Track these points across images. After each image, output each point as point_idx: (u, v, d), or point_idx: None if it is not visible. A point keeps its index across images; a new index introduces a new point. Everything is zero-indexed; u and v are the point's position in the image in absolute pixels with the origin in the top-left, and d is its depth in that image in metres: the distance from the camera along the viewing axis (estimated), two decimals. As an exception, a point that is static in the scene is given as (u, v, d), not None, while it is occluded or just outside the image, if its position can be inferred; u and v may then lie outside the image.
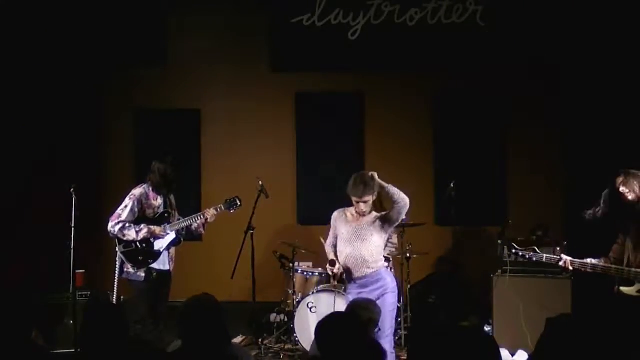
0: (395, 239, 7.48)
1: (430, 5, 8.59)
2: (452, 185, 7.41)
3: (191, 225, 6.34)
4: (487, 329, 6.91)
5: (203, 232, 6.46)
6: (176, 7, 8.94)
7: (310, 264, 7.61)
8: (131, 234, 6.15)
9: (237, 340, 7.26)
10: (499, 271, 6.85)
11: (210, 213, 6.28)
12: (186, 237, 6.48)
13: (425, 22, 8.61)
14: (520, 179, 8.63)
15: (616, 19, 8.05)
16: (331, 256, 5.77)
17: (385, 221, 5.67)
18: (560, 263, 5.60)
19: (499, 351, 3.78)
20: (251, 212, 7.12)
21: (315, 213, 8.58)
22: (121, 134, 9.08)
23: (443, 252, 8.39)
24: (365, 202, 5.62)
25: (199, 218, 6.31)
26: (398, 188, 5.72)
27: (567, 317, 4.03)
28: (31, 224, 8.00)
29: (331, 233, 5.87)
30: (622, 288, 5.39)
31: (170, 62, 8.99)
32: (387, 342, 5.46)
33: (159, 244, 6.26)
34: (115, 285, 6.39)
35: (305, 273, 7.34)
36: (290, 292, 7.24)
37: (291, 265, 7.25)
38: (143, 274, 6.23)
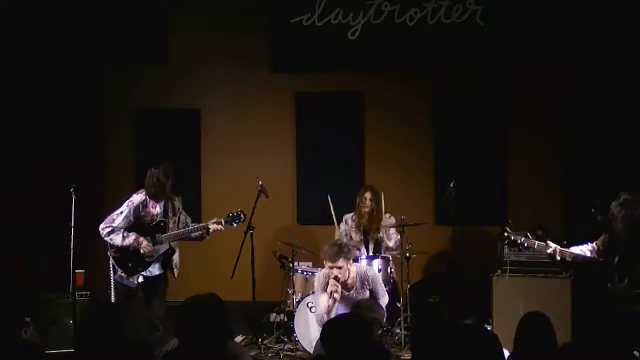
0: (395, 232, 7.49)
1: (430, 5, 8.58)
2: (452, 185, 7.41)
3: (187, 236, 6.33)
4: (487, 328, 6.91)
5: (207, 237, 6.43)
6: (176, 7, 8.94)
7: (310, 264, 7.61)
8: (117, 240, 6.15)
9: (237, 340, 7.26)
10: (499, 271, 6.84)
11: (213, 227, 6.28)
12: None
13: (425, 22, 8.60)
14: (520, 179, 8.63)
15: (616, 19, 8.05)
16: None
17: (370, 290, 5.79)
18: (549, 251, 5.70)
19: (502, 349, 3.80)
20: (251, 212, 7.12)
21: (315, 213, 8.59)
22: (121, 134, 9.07)
23: (443, 252, 8.38)
24: (339, 268, 5.67)
25: (199, 230, 6.29)
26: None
27: (538, 315, 4.11)
28: (31, 224, 8.00)
29: (320, 299, 5.85)
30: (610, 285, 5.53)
31: (170, 62, 8.98)
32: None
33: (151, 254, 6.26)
34: (112, 286, 6.41)
35: (305, 273, 7.34)
36: (290, 292, 7.24)
37: (291, 265, 7.25)
38: (136, 282, 6.24)
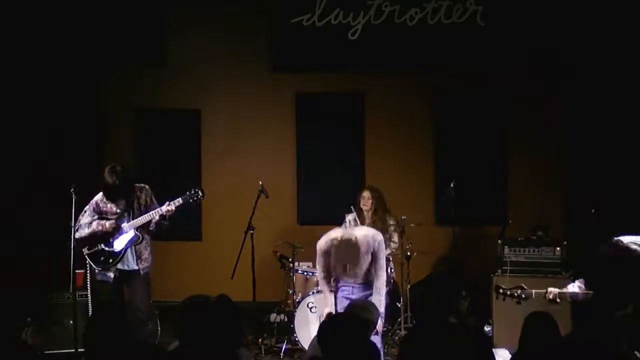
0: (396, 238, 7.48)
1: (430, 5, 8.58)
2: (452, 185, 7.41)
3: (151, 220, 6.26)
4: (487, 329, 6.91)
5: (166, 223, 6.30)
6: (176, 7, 8.94)
7: (310, 264, 7.60)
8: (85, 231, 6.25)
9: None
10: (499, 271, 6.85)
11: (165, 208, 6.20)
12: (159, 234, 6.45)
13: (425, 22, 8.60)
14: (520, 179, 8.63)
15: (616, 19, 8.05)
16: (328, 302, 5.70)
17: (372, 253, 5.66)
18: (550, 297, 5.47)
19: (489, 346, 3.80)
20: (251, 212, 7.12)
21: (315, 213, 8.60)
22: (121, 134, 9.08)
23: (443, 252, 8.39)
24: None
25: (157, 213, 6.23)
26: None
27: (542, 315, 4.09)
28: (31, 224, 8.00)
29: (320, 267, 5.76)
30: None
31: (170, 62, 8.99)
32: (377, 341, 5.48)
33: (118, 244, 6.27)
34: (89, 286, 6.45)
35: (305, 273, 7.34)
36: (290, 292, 7.24)
37: (291, 265, 7.26)
38: (112, 275, 6.27)
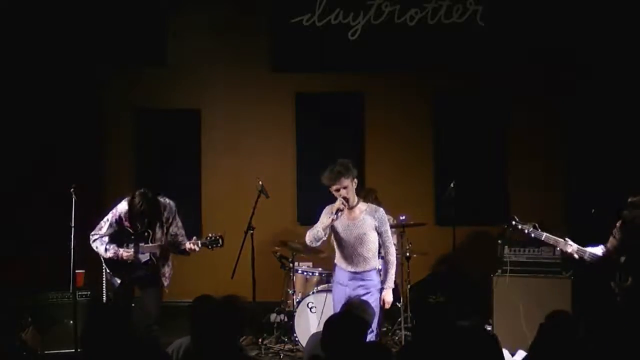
0: (395, 239, 7.47)
1: (430, 5, 8.59)
2: (452, 185, 7.41)
3: (169, 249, 6.21)
4: (487, 329, 6.90)
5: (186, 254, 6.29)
6: (176, 7, 8.94)
7: (310, 264, 7.62)
8: (101, 249, 6.16)
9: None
10: (499, 271, 6.85)
11: (188, 246, 6.16)
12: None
13: (425, 22, 8.61)
14: (520, 179, 8.63)
15: (616, 18, 8.05)
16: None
17: (377, 230, 5.65)
18: (569, 250, 5.53)
19: (501, 349, 3.79)
20: (251, 212, 7.12)
21: (315, 213, 8.57)
22: (121, 134, 9.08)
23: (443, 252, 8.38)
24: (344, 188, 5.51)
25: (178, 247, 6.19)
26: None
27: (561, 316, 4.06)
28: (31, 224, 8.00)
29: (322, 218, 5.72)
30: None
31: (170, 62, 8.99)
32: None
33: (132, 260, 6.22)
34: (104, 286, 6.43)
35: (305, 273, 7.35)
36: (290, 292, 7.24)
37: (291, 265, 7.26)
38: (118, 280, 6.25)
